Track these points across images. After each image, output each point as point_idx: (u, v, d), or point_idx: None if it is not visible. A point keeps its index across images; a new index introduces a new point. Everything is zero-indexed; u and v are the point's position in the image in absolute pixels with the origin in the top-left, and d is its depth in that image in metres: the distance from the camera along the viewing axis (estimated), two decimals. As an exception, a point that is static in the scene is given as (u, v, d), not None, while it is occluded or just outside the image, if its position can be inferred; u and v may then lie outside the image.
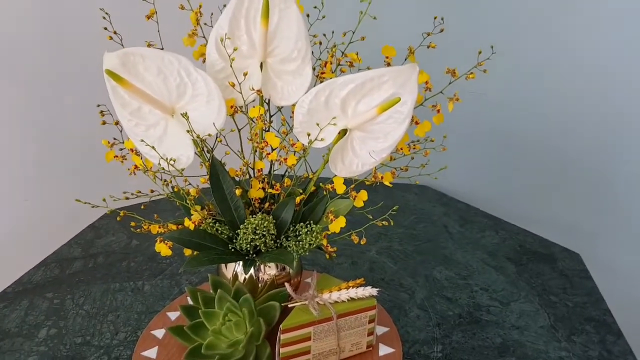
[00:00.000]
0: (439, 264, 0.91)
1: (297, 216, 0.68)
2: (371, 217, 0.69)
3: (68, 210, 1.08)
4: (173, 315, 0.73)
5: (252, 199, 0.66)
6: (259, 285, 0.68)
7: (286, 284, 0.63)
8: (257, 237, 0.63)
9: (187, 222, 0.63)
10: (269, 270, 0.68)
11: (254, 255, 0.65)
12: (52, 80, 1.09)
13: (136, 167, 0.65)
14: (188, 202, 0.62)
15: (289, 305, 0.62)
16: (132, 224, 0.65)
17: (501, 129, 1.15)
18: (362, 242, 0.66)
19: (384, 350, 0.67)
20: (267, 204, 0.67)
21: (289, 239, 0.66)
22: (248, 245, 0.64)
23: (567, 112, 1.08)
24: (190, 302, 0.72)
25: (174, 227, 0.67)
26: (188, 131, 0.60)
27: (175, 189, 0.65)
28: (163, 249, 0.65)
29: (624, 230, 1.06)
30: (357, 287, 0.64)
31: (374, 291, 0.63)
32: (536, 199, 1.16)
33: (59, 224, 1.04)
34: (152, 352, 0.65)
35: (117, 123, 0.65)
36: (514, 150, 1.16)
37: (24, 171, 1.08)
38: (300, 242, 0.64)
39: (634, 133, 1.01)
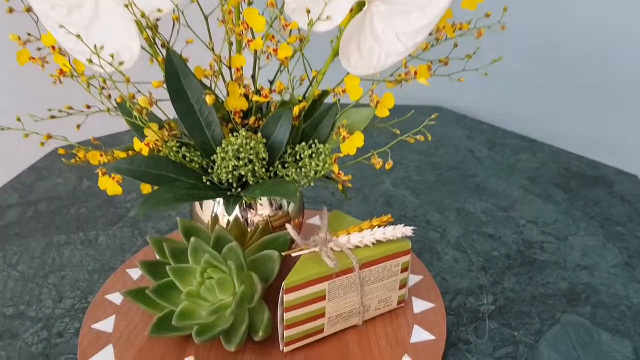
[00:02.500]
0: (470, 195, 0.76)
1: (295, 134, 0.51)
2: (398, 132, 0.52)
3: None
4: (135, 273, 0.57)
5: (231, 111, 0.49)
6: (249, 230, 0.52)
7: (288, 226, 0.46)
8: (241, 163, 0.46)
9: (139, 145, 0.45)
10: (261, 209, 0.52)
11: (240, 190, 0.48)
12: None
13: (61, 71, 0.47)
14: (136, 115, 0.44)
15: (293, 255, 0.46)
16: (60, 150, 0.48)
17: (530, 30, 0.97)
18: (387, 167, 0.50)
19: (420, 305, 0.52)
20: (252, 119, 0.50)
21: (286, 165, 0.49)
22: (229, 176, 0.47)
23: (614, 11, 0.90)
24: (157, 257, 0.56)
25: (122, 154, 0.49)
26: (126, 6, 0.41)
27: (119, 100, 0.47)
28: (109, 185, 0.48)
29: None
30: (384, 225, 0.48)
31: (407, 230, 0.48)
32: (574, 116, 1.00)
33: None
34: (107, 324, 0.50)
35: (28, 10, 0.46)
36: (545, 59, 0.99)
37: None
38: (303, 169, 0.48)
39: None
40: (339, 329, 0.48)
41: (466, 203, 0.73)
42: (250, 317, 0.46)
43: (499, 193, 0.76)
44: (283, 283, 0.42)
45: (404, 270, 0.49)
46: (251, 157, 0.47)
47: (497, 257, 0.61)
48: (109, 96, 0.48)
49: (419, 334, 0.48)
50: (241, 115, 0.50)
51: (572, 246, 0.63)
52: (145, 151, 0.45)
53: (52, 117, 0.48)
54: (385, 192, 0.77)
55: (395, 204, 0.74)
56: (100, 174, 0.47)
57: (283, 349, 0.46)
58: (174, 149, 0.48)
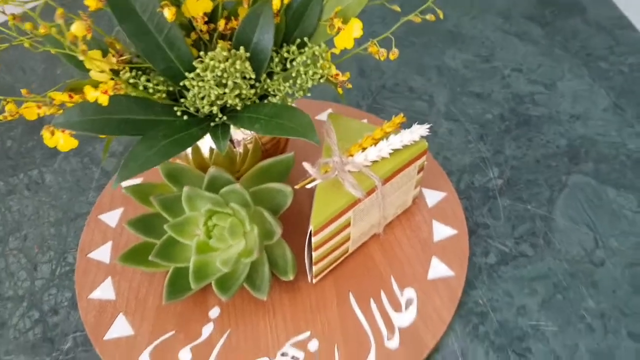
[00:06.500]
0: (447, 46, 0.71)
1: (276, 34, 0.41)
2: (399, 9, 0.45)
3: None
4: (111, 218, 0.51)
5: (193, 18, 0.38)
6: (237, 152, 0.46)
7: (305, 164, 0.40)
8: (227, 90, 0.38)
9: (90, 94, 0.36)
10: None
11: (221, 118, 0.40)
12: None
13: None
14: (69, 46, 0.33)
15: (308, 186, 0.41)
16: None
17: None
18: (391, 57, 0.44)
19: (432, 196, 0.51)
20: (222, 23, 0.40)
21: (273, 77, 0.41)
22: (213, 107, 0.39)
23: None
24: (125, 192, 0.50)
25: (63, 96, 0.39)
26: None
27: (42, 31, 0.35)
28: (65, 141, 0.39)
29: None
30: (399, 129, 0.44)
31: (423, 130, 0.43)
32: None
33: None
34: (106, 290, 0.45)
35: None
36: None
37: None
38: (299, 79, 0.40)
39: None
40: (361, 243, 0.47)
41: (445, 57, 0.69)
42: (268, 255, 0.43)
43: (476, 38, 0.71)
44: (310, 226, 0.38)
45: (420, 171, 0.46)
46: (237, 80, 0.38)
47: (491, 121, 0.60)
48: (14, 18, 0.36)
49: (441, 231, 0.48)
50: (205, 19, 0.40)
51: (562, 93, 0.62)
52: (104, 101, 0.36)
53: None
54: (354, 57, 0.69)
55: (369, 71, 0.68)
56: (49, 133, 0.38)
57: (312, 281, 0.44)
58: (131, 80, 0.38)
